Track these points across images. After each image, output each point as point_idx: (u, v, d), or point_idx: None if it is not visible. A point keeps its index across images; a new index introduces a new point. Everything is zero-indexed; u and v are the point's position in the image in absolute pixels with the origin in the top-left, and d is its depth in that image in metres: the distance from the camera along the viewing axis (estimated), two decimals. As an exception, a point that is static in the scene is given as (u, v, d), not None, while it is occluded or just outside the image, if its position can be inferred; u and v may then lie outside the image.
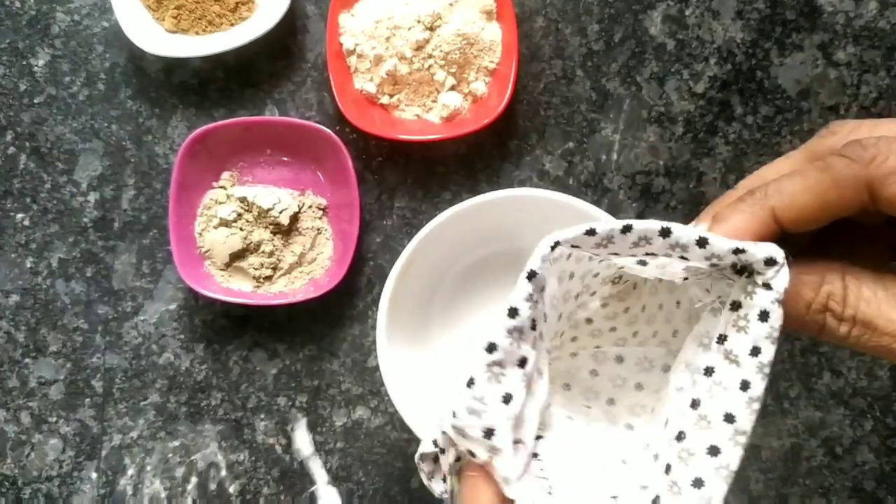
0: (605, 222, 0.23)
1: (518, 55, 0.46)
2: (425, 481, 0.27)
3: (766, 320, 0.22)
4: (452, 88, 0.47)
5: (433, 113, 0.48)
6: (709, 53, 0.49)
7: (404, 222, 0.49)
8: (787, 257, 0.22)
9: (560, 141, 0.49)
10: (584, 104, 0.49)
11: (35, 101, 0.50)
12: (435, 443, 0.25)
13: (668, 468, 0.23)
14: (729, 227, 0.23)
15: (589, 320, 0.35)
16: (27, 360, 0.49)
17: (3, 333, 0.49)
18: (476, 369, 0.23)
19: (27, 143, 0.50)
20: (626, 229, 0.22)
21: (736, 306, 0.23)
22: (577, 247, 0.23)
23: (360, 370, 0.49)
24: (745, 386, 0.22)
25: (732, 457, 0.22)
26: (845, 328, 0.22)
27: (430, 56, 0.46)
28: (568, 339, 0.33)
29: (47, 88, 0.50)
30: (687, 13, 0.49)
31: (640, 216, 0.49)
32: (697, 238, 0.22)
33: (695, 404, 0.23)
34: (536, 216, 0.42)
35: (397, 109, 0.48)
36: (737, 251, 0.22)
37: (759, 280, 0.22)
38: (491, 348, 0.22)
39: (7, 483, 0.49)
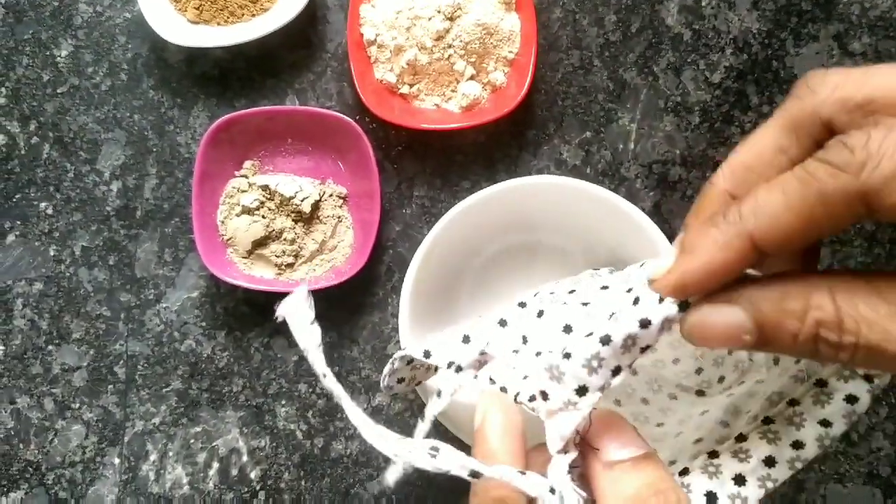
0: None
1: (536, 45, 0.47)
2: (387, 373, 0.28)
3: (853, 403, 0.22)
4: (472, 78, 0.48)
5: (452, 102, 0.48)
6: (725, 44, 0.49)
7: (423, 211, 0.50)
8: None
9: (577, 130, 0.50)
10: (602, 94, 0.50)
11: (58, 92, 0.50)
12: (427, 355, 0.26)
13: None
14: (699, 260, 0.19)
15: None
16: (50, 347, 0.50)
17: (26, 321, 0.50)
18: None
19: (50, 133, 0.50)
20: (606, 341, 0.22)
21: (822, 384, 0.23)
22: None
23: (380, 357, 0.49)
24: (798, 445, 0.23)
25: (752, 491, 0.23)
26: (846, 355, 0.18)
27: (450, 46, 0.47)
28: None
29: (70, 79, 0.51)
30: (703, 3, 0.50)
31: (657, 205, 0.49)
32: (639, 322, 0.20)
33: (741, 438, 0.24)
34: (555, 203, 0.43)
35: (417, 99, 0.49)
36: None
37: (861, 371, 0.23)
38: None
39: (31, 469, 0.50)
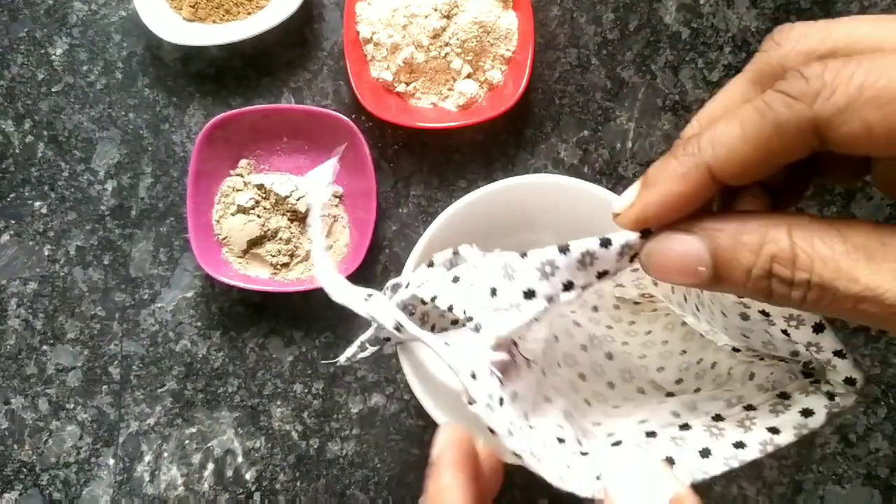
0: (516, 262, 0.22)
1: (534, 44, 0.46)
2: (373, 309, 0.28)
3: (808, 416, 0.22)
4: (468, 76, 0.47)
5: (449, 101, 0.48)
6: (723, 42, 0.49)
7: (420, 210, 0.49)
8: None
9: (575, 129, 0.49)
10: (599, 92, 0.49)
11: (53, 90, 0.50)
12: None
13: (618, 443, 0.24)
14: (659, 192, 0.19)
15: (595, 308, 0.35)
16: (45, 347, 0.50)
17: (21, 321, 0.50)
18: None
19: (45, 132, 0.50)
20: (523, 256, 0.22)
21: (784, 396, 0.23)
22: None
23: (376, 357, 0.49)
24: (739, 445, 0.23)
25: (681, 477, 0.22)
26: (798, 293, 0.18)
27: (447, 44, 0.46)
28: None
29: (65, 77, 0.50)
30: (701, 1, 0.49)
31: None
32: (599, 241, 0.21)
33: (685, 427, 0.24)
34: (553, 202, 0.43)
35: (413, 97, 0.48)
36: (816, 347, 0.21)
37: (825, 388, 0.22)
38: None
39: (25, 469, 0.49)
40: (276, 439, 0.49)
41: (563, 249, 0.21)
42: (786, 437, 0.22)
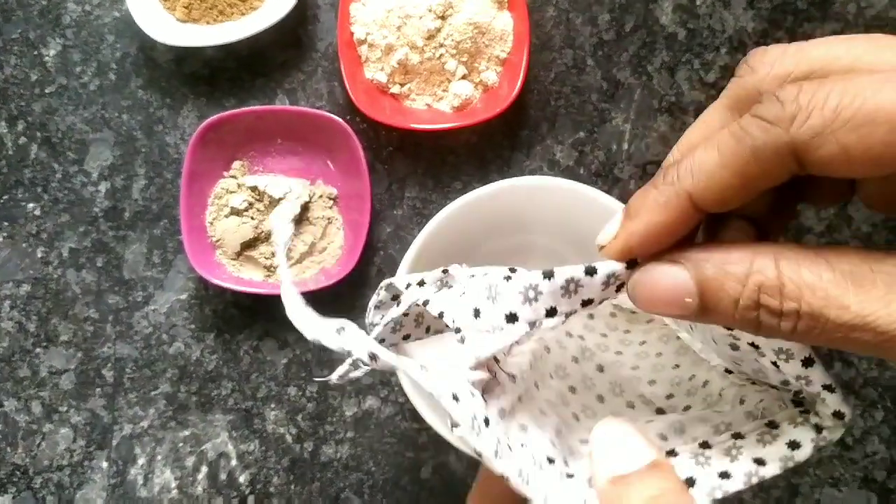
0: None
1: (529, 45, 0.46)
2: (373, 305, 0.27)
3: (795, 449, 0.22)
4: (463, 78, 0.47)
5: (444, 102, 0.48)
6: (720, 43, 0.49)
7: (415, 212, 0.49)
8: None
9: (571, 131, 0.49)
10: (595, 94, 0.49)
11: (46, 91, 0.50)
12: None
13: None
14: (641, 222, 0.19)
15: (591, 315, 0.35)
16: (38, 349, 0.49)
17: (14, 323, 0.49)
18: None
19: (38, 133, 0.50)
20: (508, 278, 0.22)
21: (773, 425, 0.23)
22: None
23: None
24: (724, 475, 0.22)
25: None
26: (788, 324, 0.18)
27: (442, 45, 0.46)
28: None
29: (58, 78, 0.50)
30: (698, 2, 0.49)
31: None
32: (584, 269, 0.20)
33: (672, 453, 0.24)
34: (548, 204, 0.42)
35: (408, 99, 0.48)
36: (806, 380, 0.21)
37: (813, 420, 0.22)
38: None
39: (18, 472, 0.49)
40: (270, 442, 0.49)
41: (548, 275, 0.21)
42: (771, 469, 0.22)
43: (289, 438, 0.49)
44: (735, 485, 0.22)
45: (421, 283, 0.25)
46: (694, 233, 0.21)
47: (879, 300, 0.17)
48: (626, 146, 0.49)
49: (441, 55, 0.46)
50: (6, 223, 0.50)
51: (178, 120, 0.50)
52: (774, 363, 0.22)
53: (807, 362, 0.21)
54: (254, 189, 0.47)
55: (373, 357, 0.21)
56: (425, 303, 0.23)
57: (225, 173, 0.48)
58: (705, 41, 0.49)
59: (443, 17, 0.46)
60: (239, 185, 0.47)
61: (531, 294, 0.21)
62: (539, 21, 0.49)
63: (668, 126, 0.49)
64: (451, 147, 0.49)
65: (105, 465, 0.49)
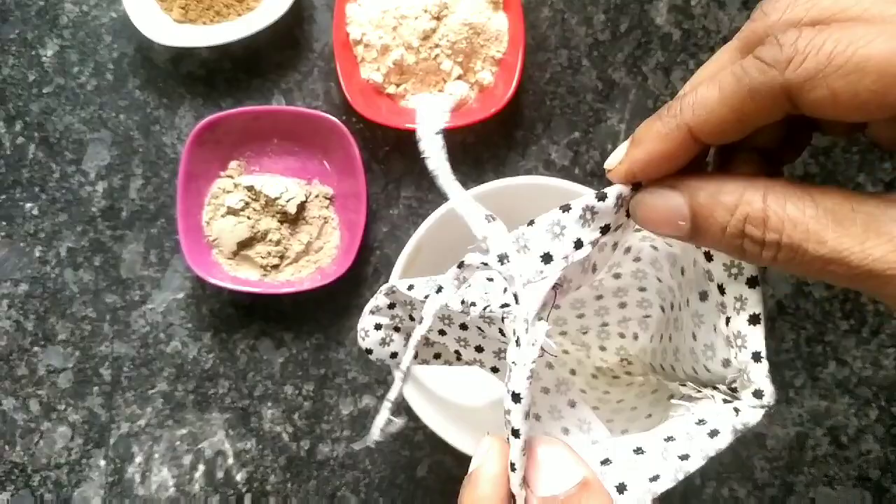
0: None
1: (524, 45, 0.46)
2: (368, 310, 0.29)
3: (714, 437, 0.23)
4: (459, 78, 0.47)
5: (439, 102, 0.48)
6: (714, 43, 0.49)
7: (410, 212, 0.49)
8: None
9: (566, 131, 0.49)
10: (590, 94, 0.49)
11: (44, 92, 0.50)
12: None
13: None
14: (644, 150, 0.21)
15: (573, 371, 0.37)
16: (36, 348, 0.50)
17: (12, 322, 0.50)
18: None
19: (36, 133, 0.50)
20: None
21: (701, 422, 0.24)
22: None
23: (367, 359, 0.49)
24: (654, 478, 0.23)
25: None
26: (769, 254, 0.19)
27: (437, 45, 0.46)
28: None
29: (56, 79, 0.50)
30: (692, 3, 0.49)
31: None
32: (596, 195, 0.22)
33: (606, 462, 0.24)
34: (544, 204, 0.42)
35: (404, 99, 0.48)
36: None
37: (734, 404, 0.23)
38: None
39: (16, 471, 0.49)
40: (267, 441, 0.49)
41: (565, 208, 0.22)
42: (694, 463, 0.23)
43: (285, 437, 0.49)
44: (664, 484, 0.22)
45: (439, 290, 0.26)
46: (702, 161, 0.22)
47: (855, 238, 0.18)
48: (621, 146, 0.49)
49: (436, 55, 0.47)
50: (4, 223, 0.50)
51: (174, 120, 0.50)
52: (727, 318, 0.23)
53: (753, 319, 0.22)
54: (250, 189, 0.47)
55: (503, 258, 0.22)
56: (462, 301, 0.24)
57: (221, 173, 0.48)
58: (700, 41, 0.49)
59: (438, 18, 0.46)
60: (235, 185, 0.48)
61: (556, 230, 0.22)
62: (534, 21, 0.49)
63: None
64: (447, 147, 0.49)
65: (103, 463, 0.49)
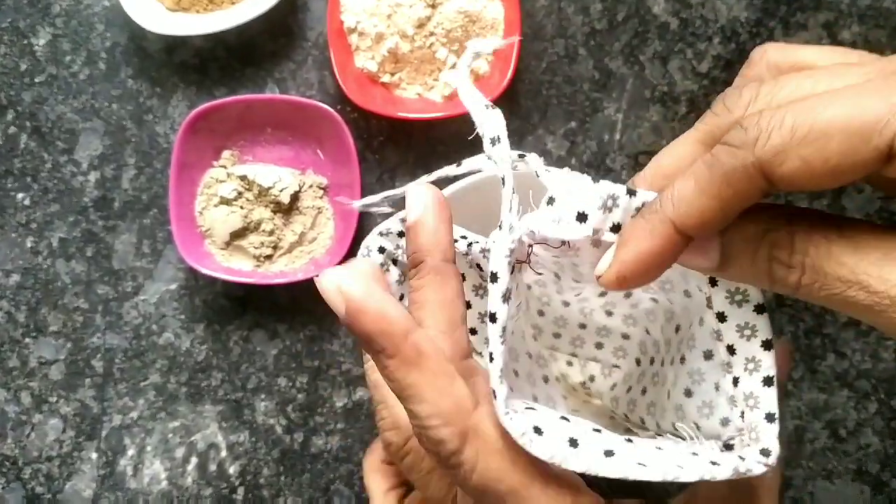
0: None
1: (520, 34, 0.46)
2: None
3: (713, 465, 0.22)
4: (454, 66, 0.47)
5: (435, 91, 0.47)
6: (712, 32, 0.49)
7: (405, 202, 0.49)
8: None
9: (562, 120, 0.49)
10: (587, 83, 0.49)
11: (36, 81, 0.50)
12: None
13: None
14: (632, 249, 0.21)
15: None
16: (27, 339, 0.49)
17: (3, 313, 0.49)
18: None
19: (28, 123, 0.50)
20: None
21: (696, 455, 0.23)
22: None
23: (361, 351, 0.49)
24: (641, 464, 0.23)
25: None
26: (794, 276, 0.20)
27: (432, 34, 0.46)
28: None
29: (48, 68, 0.50)
30: (690, -8, 0.49)
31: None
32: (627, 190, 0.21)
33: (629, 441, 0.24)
34: (539, 194, 0.42)
35: (398, 88, 0.48)
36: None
37: (736, 453, 0.23)
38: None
39: (7, 463, 0.49)
40: (260, 433, 0.49)
41: (631, 192, 0.21)
42: (688, 474, 0.21)
43: (279, 429, 0.49)
44: (650, 474, 0.22)
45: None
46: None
47: (873, 263, 0.18)
48: (618, 136, 0.49)
49: (432, 44, 0.46)
50: (-5, 213, 0.49)
51: (167, 109, 0.50)
52: (735, 378, 0.23)
53: (767, 381, 0.22)
54: (243, 178, 0.46)
55: (496, 140, 0.22)
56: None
57: (214, 163, 0.48)
58: (698, 31, 0.49)
59: (433, 6, 0.45)
60: (228, 175, 0.47)
61: (609, 203, 0.21)
62: (530, 10, 0.49)
63: (660, 116, 0.49)
64: (442, 136, 0.49)
65: (94, 455, 0.49)
